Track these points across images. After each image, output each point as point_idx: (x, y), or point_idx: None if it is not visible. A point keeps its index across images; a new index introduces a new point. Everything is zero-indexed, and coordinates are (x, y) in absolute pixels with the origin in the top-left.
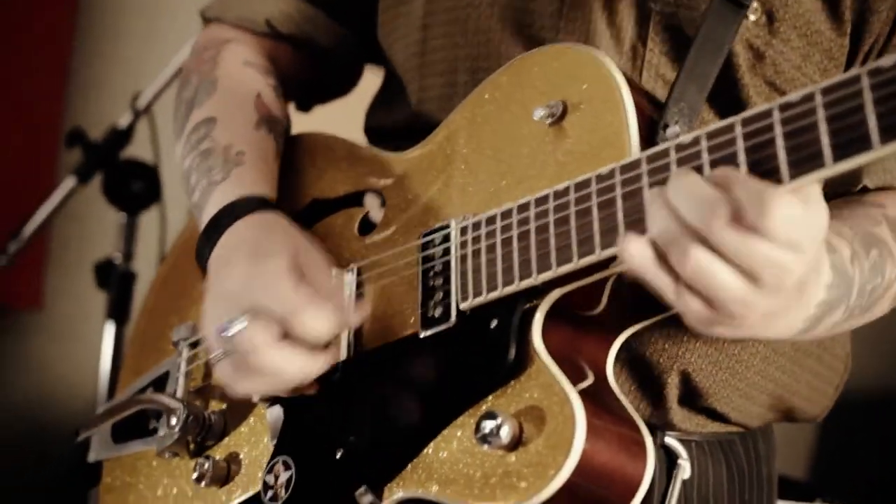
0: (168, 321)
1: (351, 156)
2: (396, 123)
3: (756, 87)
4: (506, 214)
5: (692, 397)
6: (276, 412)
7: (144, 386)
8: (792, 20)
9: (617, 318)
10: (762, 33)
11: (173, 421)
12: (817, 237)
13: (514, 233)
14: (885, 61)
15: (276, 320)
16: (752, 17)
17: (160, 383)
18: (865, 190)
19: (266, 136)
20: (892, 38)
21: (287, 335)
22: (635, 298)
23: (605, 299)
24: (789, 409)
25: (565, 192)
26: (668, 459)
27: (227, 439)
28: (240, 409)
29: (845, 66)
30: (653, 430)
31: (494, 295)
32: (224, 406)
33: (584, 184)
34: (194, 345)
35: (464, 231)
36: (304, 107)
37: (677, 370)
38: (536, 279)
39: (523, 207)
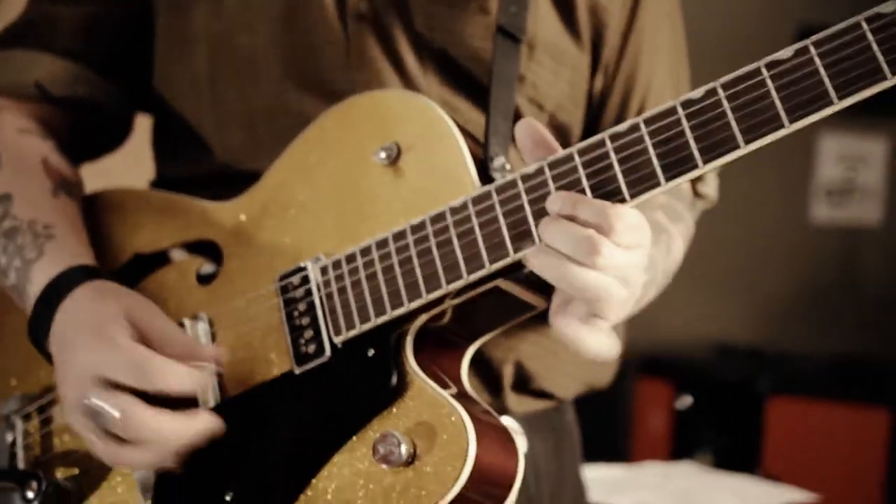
0: None
1: (170, 207)
2: (199, 174)
3: (522, 104)
4: (365, 251)
5: (524, 382)
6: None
7: None
8: (543, 45)
9: (469, 331)
10: (524, 60)
11: (30, 495)
12: (650, 232)
13: (378, 267)
14: (695, 94)
15: (133, 386)
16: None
17: None
18: None
19: (67, 200)
20: (625, 48)
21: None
22: (482, 314)
23: (449, 313)
24: (594, 380)
25: (421, 225)
26: None
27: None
28: (96, 473)
29: (590, 75)
30: None
31: (368, 326)
32: (76, 471)
33: (440, 217)
34: (27, 417)
35: (324, 271)
36: (74, 165)
37: (512, 360)
38: (408, 307)
39: (382, 243)
